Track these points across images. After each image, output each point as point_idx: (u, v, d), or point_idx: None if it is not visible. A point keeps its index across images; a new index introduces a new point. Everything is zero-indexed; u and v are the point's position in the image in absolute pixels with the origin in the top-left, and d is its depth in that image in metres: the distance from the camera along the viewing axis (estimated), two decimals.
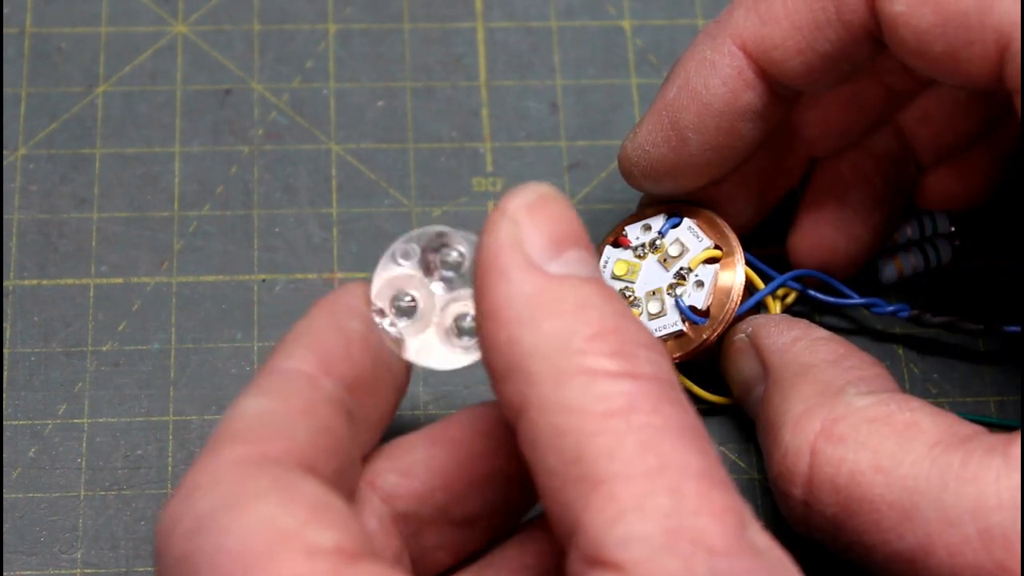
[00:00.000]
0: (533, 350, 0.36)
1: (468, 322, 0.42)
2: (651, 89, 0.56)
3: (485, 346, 0.37)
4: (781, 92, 0.46)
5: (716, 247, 0.48)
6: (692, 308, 0.47)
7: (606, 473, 0.35)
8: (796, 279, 0.49)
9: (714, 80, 0.45)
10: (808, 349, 0.44)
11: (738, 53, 0.45)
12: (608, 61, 0.57)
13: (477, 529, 0.41)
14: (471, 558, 0.42)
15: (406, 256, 0.43)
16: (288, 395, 0.39)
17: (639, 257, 0.49)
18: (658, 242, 0.48)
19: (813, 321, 0.50)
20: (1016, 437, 0.39)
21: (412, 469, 0.41)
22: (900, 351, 0.52)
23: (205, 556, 0.35)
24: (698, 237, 0.48)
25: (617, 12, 0.58)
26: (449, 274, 0.43)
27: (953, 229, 0.52)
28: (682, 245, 0.48)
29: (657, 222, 0.49)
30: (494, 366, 0.37)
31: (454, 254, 0.43)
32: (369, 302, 0.42)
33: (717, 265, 0.48)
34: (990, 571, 0.38)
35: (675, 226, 0.48)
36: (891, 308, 0.49)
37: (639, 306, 0.48)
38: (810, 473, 0.41)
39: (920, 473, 0.39)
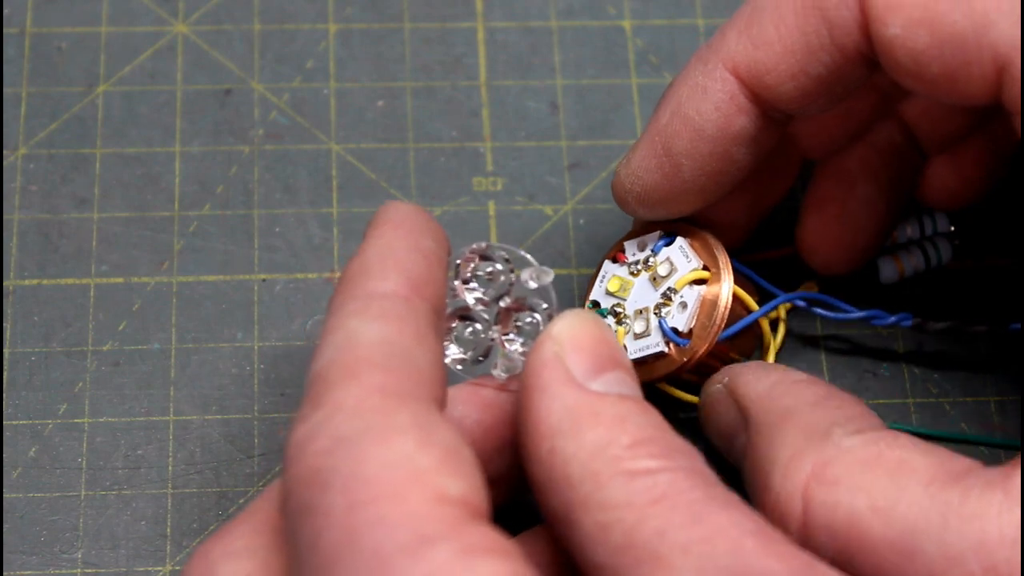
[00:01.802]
0: (573, 458, 0.38)
1: (501, 369, 0.44)
2: (651, 89, 0.56)
3: (526, 459, 0.39)
4: (774, 116, 0.45)
5: (704, 268, 0.47)
6: (674, 330, 0.47)
7: (661, 551, 0.36)
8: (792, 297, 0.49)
9: (706, 106, 0.45)
10: (788, 393, 0.44)
11: (730, 78, 0.44)
12: (608, 61, 0.57)
13: (499, 489, 0.41)
14: None
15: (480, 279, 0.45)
16: (400, 321, 0.39)
17: (632, 275, 0.48)
18: (650, 260, 0.48)
19: (816, 334, 0.50)
20: (1014, 470, 0.39)
21: None
22: (900, 351, 0.52)
23: (339, 477, 0.35)
24: (687, 257, 0.47)
25: (617, 12, 0.58)
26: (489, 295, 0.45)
27: (953, 228, 0.52)
28: (671, 265, 0.47)
29: (652, 239, 0.48)
30: (536, 478, 0.39)
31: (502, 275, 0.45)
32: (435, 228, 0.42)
33: (703, 287, 0.47)
34: None
35: (668, 244, 0.48)
36: (893, 319, 0.48)
37: (627, 324, 0.48)
38: (804, 518, 0.40)
39: (919, 512, 0.39)
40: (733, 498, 0.38)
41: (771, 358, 0.50)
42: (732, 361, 0.48)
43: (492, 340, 0.44)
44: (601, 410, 0.39)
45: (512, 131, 0.55)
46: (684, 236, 0.48)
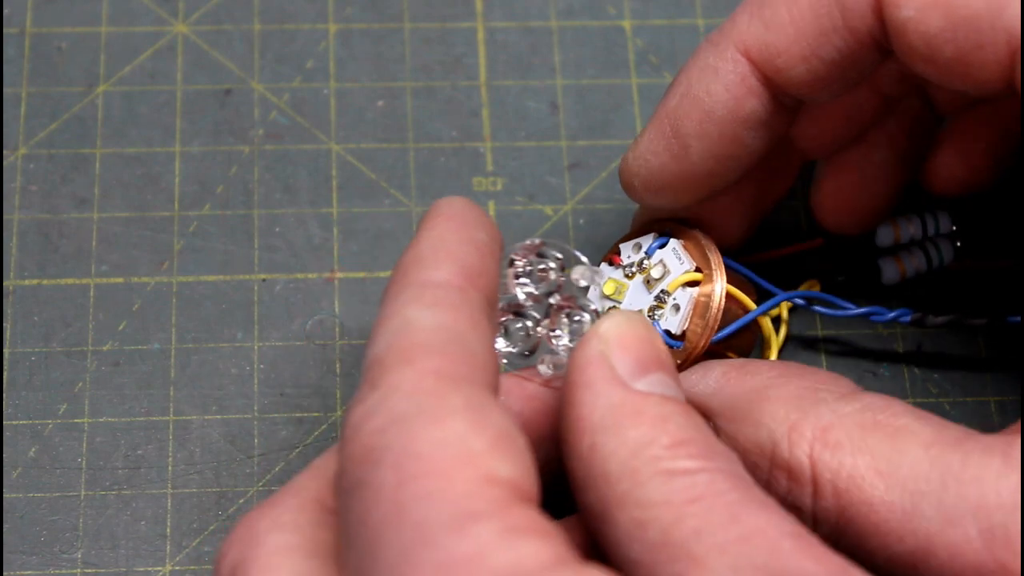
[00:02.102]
0: (613, 455, 0.38)
1: (547, 365, 0.45)
2: (651, 89, 0.56)
3: (567, 454, 0.39)
4: (785, 101, 0.45)
5: (697, 270, 0.47)
6: (668, 332, 0.47)
7: (697, 551, 0.36)
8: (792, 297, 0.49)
9: (717, 86, 0.44)
10: (746, 375, 0.44)
11: (741, 60, 0.44)
12: (608, 61, 0.57)
13: None
14: None
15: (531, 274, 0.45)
16: (454, 308, 0.39)
17: (628, 277, 0.48)
18: (645, 262, 0.48)
19: (816, 334, 0.50)
20: (1014, 436, 0.39)
21: None
22: (900, 351, 0.52)
23: (391, 454, 0.36)
24: (680, 260, 0.47)
25: (617, 12, 0.58)
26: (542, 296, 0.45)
27: (955, 228, 0.52)
28: (664, 267, 0.47)
29: (647, 241, 0.48)
30: (576, 474, 0.39)
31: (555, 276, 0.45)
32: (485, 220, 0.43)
33: (695, 289, 0.47)
34: (991, 570, 0.38)
35: (662, 246, 0.48)
36: (892, 315, 0.48)
37: (592, 314, 0.47)
38: (813, 484, 0.41)
39: (920, 474, 0.39)
40: (770, 501, 0.38)
41: (773, 356, 0.50)
42: (731, 355, 0.48)
43: (540, 336, 0.45)
44: (644, 409, 0.39)
45: (512, 131, 0.55)
46: (678, 237, 0.48)
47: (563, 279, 0.45)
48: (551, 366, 0.44)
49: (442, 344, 0.38)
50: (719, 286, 0.47)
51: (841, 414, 0.41)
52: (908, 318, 0.49)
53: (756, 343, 0.50)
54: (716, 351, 0.47)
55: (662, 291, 0.47)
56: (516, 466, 0.36)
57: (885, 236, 0.51)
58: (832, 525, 0.41)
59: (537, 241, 0.45)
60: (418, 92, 0.56)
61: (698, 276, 0.47)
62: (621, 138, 0.55)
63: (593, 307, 0.45)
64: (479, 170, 0.55)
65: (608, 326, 0.41)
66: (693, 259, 0.47)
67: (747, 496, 0.37)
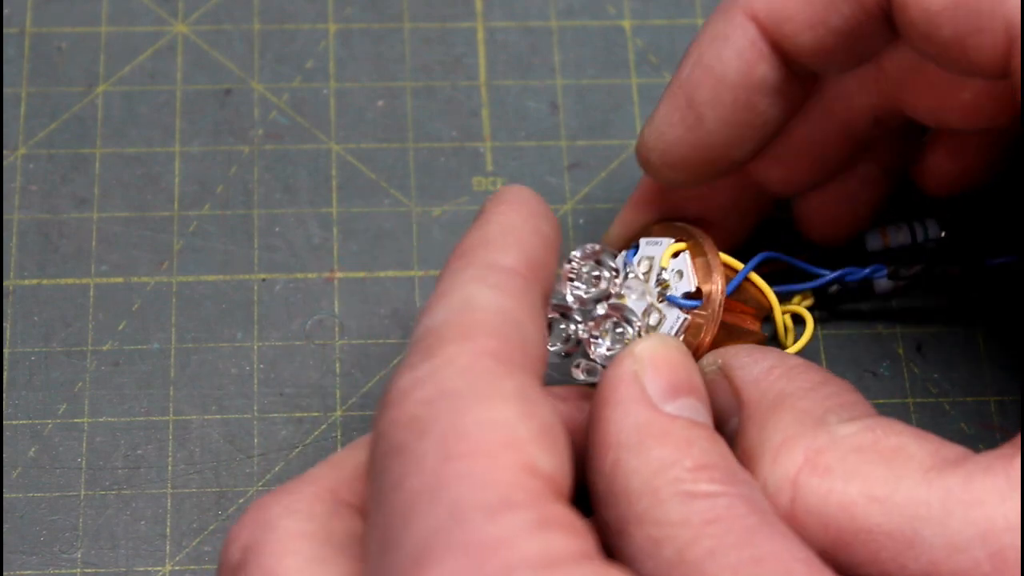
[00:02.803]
0: (635, 473, 0.38)
1: (582, 370, 0.45)
2: (651, 89, 0.56)
3: (590, 468, 0.39)
4: (797, 70, 0.45)
5: (678, 241, 0.47)
6: (685, 295, 0.46)
7: (710, 570, 0.36)
8: (767, 262, 0.48)
9: (727, 52, 0.44)
10: (784, 377, 0.43)
11: (750, 25, 0.44)
12: (608, 61, 0.57)
13: None
14: None
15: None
16: (516, 295, 0.39)
17: (620, 298, 0.48)
18: (630, 272, 0.47)
19: (816, 332, 0.50)
20: (1013, 452, 0.38)
21: None
22: (900, 351, 0.52)
23: (437, 426, 0.36)
24: (659, 243, 0.47)
25: (617, 12, 0.58)
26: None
27: (943, 235, 0.51)
28: (649, 260, 0.47)
29: (620, 260, 0.47)
30: (597, 489, 0.39)
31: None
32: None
33: (686, 252, 0.47)
34: None
35: (636, 251, 0.48)
36: (866, 271, 0.48)
37: (642, 325, 0.47)
38: (792, 507, 0.40)
39: (919, 500, 0.38)
40: (787, 529, 0.38)
41: (804, 340, 0.49)
42: (748, 318, 0.48)
43: (580, 339, 0.45)
44: (670, 431, 0.39)
45: (512, 131, 0.55)
46: (643, 236, 0.48)
47: (614, 289, 0.46)
48: (585, 372, 0.45)
49: (501, 327, 0.38)
50: (707, 241, 0.47)
51: (837, 436, 0.40)
52: (883, 273, 0.49)
53: (766, 309, 0.49)
54: (735, 306, 0.47)
55: (659, 275, 0.47)
56: (556, 460, 0.36)
57: (874, 243, 0.51)
58: (819, 552, 0.39)
59: (597, 247, 0.45)
60: (418, 92, 0.56)
61: (681, 245, 0.47)
62: (621, 138, 0.55)
63: (639, 324, 0.45)
64: (479, 170, 0.55)
65: (644, 347, 0.41)
66: (668, 236, 0.47)
67: (764, 522, 0.37)
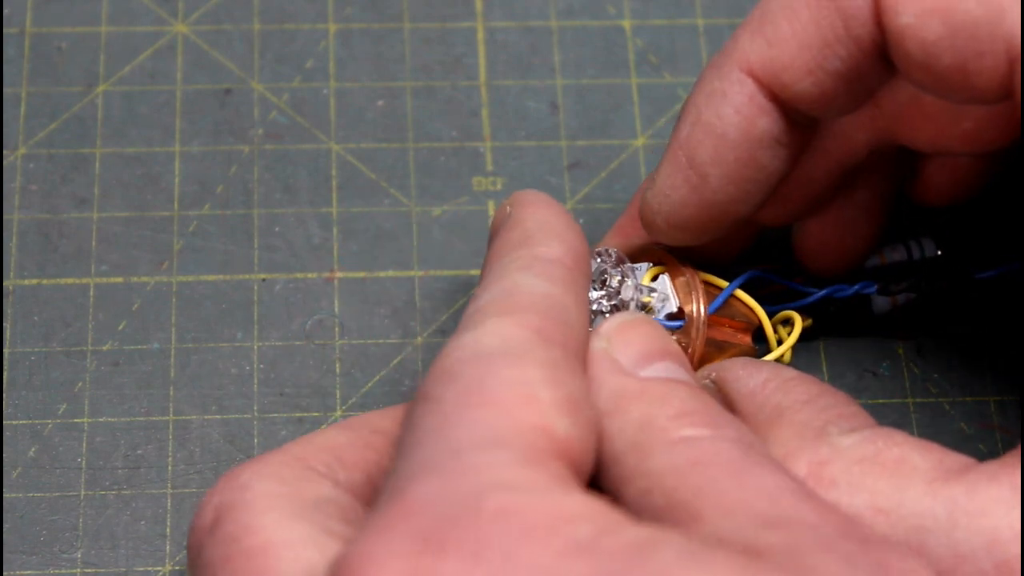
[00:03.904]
0: (619, 434, 0.38)
1: None
2: (651, 89, 0.56)
3: None
4: (797, 119, 0.44)
5: (656, 264, 0.47)
6: (668, 316, 0.46)
7: (697, 507, 0.36)
8: (758, 281, 0.48)
9: (726, 109, 0.44)
10: (780, 390, 0.43)
11: (747, 80, 0.43)
12: (608, 61, 0.57)
13: None
14: None
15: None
16: (562, 283, 0.40)
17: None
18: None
19: (814, 332, 0.50)
20: (1016, 462, 0.38)
21: None
22: (900, 351, 0.52)
23: (463, 379, 0.37)
24: (639, 268, 0.47)
25: (617, 12, 0.58)
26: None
27: (940, 253, 0.51)
28: (633, 288, 0.47)
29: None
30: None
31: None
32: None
33: (666, 275, 0.47)
34: None
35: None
36: (856, 288, 0.48)
37: None
38: None
39: (924, 511, 0.38)
40: (776, 463, 0.38)
41: (774, 348, 0.49)
42: (738, 332, 0.48)
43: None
44: (646, 390, 0.39)
45: (512, 131, 0.55)
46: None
47: (615, 295, 0.46)
48: None
49: (546, 308, 0.39)
50: (684, 264, 0.47)
51: (839, 448, 0.40)
52: (873, 289, 0.48)
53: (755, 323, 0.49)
54: (720, 322, 0.47)
55: (639, 301, 0.46)
56: (575, 430, 0.36)
57: (872, 263, 0.51)
58: None
59: (611, 251, 0.46)
60: (418, 92, 0.56)
61: (660, 268, 0.47)
62: (621, 138, 0.55)
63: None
64: (479, 170, 0.55)
65: (609, 324, 0.41)
66: (645, 260, 0.47)
67: (751, 458, 0.37)
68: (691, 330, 0.46)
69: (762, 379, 0.44)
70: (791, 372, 0.44)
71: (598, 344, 0.40)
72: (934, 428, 0.50)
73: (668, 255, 0.47)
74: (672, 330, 0.46)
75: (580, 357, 0.39)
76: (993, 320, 0.51)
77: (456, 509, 0.34)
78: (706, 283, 0.47)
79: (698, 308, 0.46)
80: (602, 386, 0.39)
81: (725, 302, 0.47)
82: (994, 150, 0.45)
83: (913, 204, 0.50)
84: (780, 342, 0.49)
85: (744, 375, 0.44)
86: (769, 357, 0.48)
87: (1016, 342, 0.52)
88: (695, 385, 0.40)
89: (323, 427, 0.42)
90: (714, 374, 0.45)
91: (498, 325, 0.38)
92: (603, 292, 0.45)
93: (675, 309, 0.47)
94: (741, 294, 0.48)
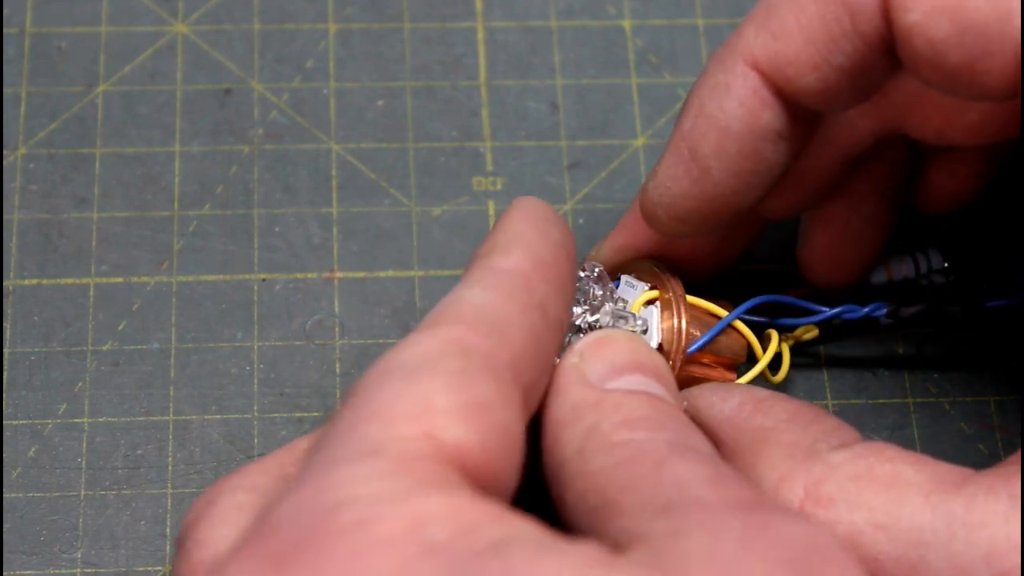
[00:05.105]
0: (569, 443, 0.39)
1: None
2: (651, 89, 0.56)
3: (543, 451, 0.40)
4: (800, 113, 0.44)
5: (652, 288, 0.47)
6: None
7: (621, 502, 0.36)
8: (759, 307, 0.48)
9: (730, 103, 0.43)
10: (758, 412, 0.43)
11: (751, 73, 0.43)
12: (608, 61, 0.57)
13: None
14: None
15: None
16: (507, 291, 0.39)
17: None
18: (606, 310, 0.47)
19: (813, 333, 0.50)
20: (1013, 471, 0.38)
21: None
22: (900, 351, 0.52)
23: (359, 396, 0.36)
24: (633, 287, 0.47)
25: (617, 12, 0.58)
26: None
27: (947, 265, 0.51)
28: (623, 303, 0.47)
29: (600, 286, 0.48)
30: (545, 471, 0.39)
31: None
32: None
33: (656, 306, 0.47)
34: None
35: (618, 284, 0.47)
36: (866, 310, 0.48)
37: None
38: None
39: (923, 525, 0.38)
40: (705, 456, 0.37)
41: (763, 365, 0.49)
42: (720, 368, 0.48)
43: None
44: (603, 400, 0.39)
45: (512, 131, 0.55)
46: (626, 274, 0.48)
47: (598, 320, 0.46)
48: None
49: (473, 319, 0.38)
50: (679, 297, 0.46)
51: (833, 465, 0.40)
52: (884, 311, 0.48)
53: (747, 347, 0.49)
54: (702, 359, 0.47)
55: (617, 324, 0.46)
56: (475, 435, 0.36)
57: (878, 276, 0.50)
58: None
59: (596, 268, 0.46)
60: (418, 92, 0.56)
61: (655, 294, 0.47)
62: (621, 138, 0.55)
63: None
64: (479, 170, 0.55)
65: (583, 342, 0.42)
66: (645, 281, 0.47)
67: (676, 452, 0.37)
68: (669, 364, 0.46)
69: (736, 403, 0.44)
70: (763, 392, 0.44)
71: (571, 359, 0.41)
72: (934, 428, 0.50)
73: (665, 283, 0.47)
74: None
75: (514, 365, 0.38)
76: (975, 303, 0.51)
77: (310, 524, 0.34)
78: (704, 311, 0.47)
79: (678, 348, 0.46)
80: (565, 398, 0.40)
81: (719, 334, 0.47)
82: (998, 141, 0.45)
83: (918, 215, 0.50)
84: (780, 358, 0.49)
85: (717, 400, 0.44)
86: (743, 379, 0.48)
87: (1016, 342, 0.52)
88: (660, 396, 0.40)
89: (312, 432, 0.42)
90: (685, 403, 0.44)
91: (416, 339, 0.38)
92: (586, 307, 0.45)
93: (655, 345, 0.46)
94: (739, 324, 0.48)
